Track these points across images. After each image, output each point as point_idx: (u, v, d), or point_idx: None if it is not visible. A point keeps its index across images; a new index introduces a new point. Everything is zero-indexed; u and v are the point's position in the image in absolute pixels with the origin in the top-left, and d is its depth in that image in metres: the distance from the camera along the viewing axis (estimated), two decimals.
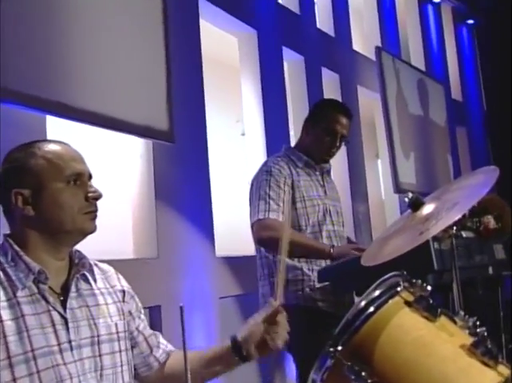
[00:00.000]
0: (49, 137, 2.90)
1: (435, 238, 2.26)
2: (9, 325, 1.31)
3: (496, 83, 9.09)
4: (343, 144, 2.82)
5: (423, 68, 8.28)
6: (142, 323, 1.62)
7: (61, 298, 1.41)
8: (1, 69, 2.65)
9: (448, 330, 1.23)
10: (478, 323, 1.30)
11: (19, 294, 1.35)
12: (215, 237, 4.33)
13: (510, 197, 3.99)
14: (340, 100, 5.42)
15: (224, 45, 5.54)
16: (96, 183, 1.50)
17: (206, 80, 4.50)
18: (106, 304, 1.50)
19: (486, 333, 1.27)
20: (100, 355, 1.42)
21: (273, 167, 2.68)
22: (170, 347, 1.67)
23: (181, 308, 1.20)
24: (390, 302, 1.24)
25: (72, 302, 1.42)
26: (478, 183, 1.51)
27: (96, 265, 1.56)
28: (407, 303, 1.25)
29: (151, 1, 3.80)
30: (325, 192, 2.80)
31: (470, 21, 10.11)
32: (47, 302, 1.38)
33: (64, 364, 1.35)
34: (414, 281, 1.32)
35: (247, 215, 2.70)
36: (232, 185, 5.74)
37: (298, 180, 2.71)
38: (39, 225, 1.41)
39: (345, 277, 2.49)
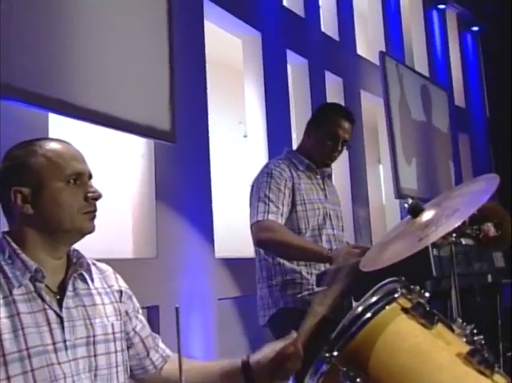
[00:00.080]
0: (51, 135, 2.90)
1: (434, 245, 2.25)
2: (5, 323, 1.30)
3: (500, 90, 9.09)
4: (345, 148, 2.81)
5: (426, 74, 8.29)
6: (139, 324, 1.61)
7: (58, 297, 1.41)
8: (5, 65, 2.65)
9: (445, 338, 1.22)
10: (475, 331, 1.29)
11: (15, 291, 1.34)
12: (215, 238, 4.33)
13: (511, 202, 3.99)
14: (343, 104, 5.42)
15: (228, 46, 5.55)
16: (96, 182, 1.50)
17: (209, 82, 4.50)
18: (103, 304, 1.49)
19: (483, 342, 1.27)
20: (95, 355, 1.42)
21: (274, 170, 2.68)
22: (167, 352, 1.66)
23: (177, 309, 1.19)
24: (387, 308, 1.23)
25: (68, 301, 1.41)
26: (479, 191, 1.50)
27: (94, 264, 1.55)
28: (404, 310, 1.24)
29: (156, 1, 3.81)
30: (326, 196, 2.80)
31: (475, 28, 10.12)
32: (43, 300, 1.37)
33: (59, 363, 1.34)
34: (412, 287, 1.32)
35: (247, 216, 2.70)
36: (233, 186, 5.75)
37: (299, 183, 2.70)
38: (38, 224, 1.40)
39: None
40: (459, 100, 9.44)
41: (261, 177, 2.70)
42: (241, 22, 5.06)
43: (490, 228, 2.80)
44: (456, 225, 1.38)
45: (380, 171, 8.18)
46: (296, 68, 5.93)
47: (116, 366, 1.46)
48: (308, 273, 2.62)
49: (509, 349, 2.83)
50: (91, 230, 1.45)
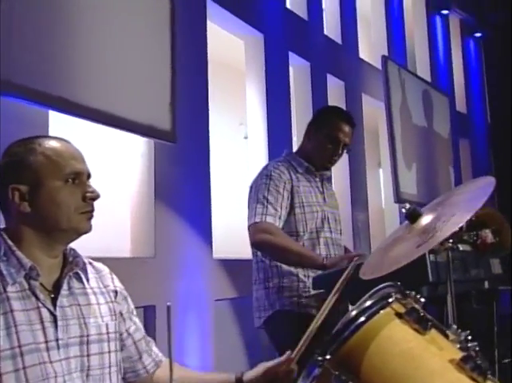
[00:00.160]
0: (51, 133, 2.90)
1: (431, 251, 2.25)
2: None
3: (501, 97, 9.10)
4: (345, 151, 2.81)
5: (428, 79, 8.29)
6: (133, 326, 1.61)
7: (52, 296, 1.40)
8: (5, 62, 2.65)
9: (438, 344, 1.22)
10: (469, 338, 1.29)
11: (9, 289, 1.34)
12: (213, 239, 4.33)
13: (511, 209, 3.99)
14: (344, 107, 5.42)
15: (230, 47, 5.55)
16: (95, 180, 1.49)
17: (210, 82, 4.50)
18: (98, 304, 1.49)
19: (477, 348, 1.27)
20: (88, 355, 1.41)
21: (273, 172, 2.68)
22: (160, 357, 1.66)
23: (168, 307, 1.18)
24: (381, 312, 1.23)
25: (62, 300, 1.41)
26: (476, 194, 1.50)
27: (90, 263, 1.55)
28: (398, 315, 1.24)
29: (159, 1, 3.81)
30: (324, 199, 2.80)
31: (478, 34, 10.12)
32: (37, 298, 1.37)
33: (50, 362, 1.34)
34: (407, 292, 1.32)
35: (246, 218, 2.70)
36: (233, 188, 5.75)
37: (298, 186, 2.70)
38: (34, 222, 1.40)
39: None
40: (461, 105, 9.44)
41: (260, 179, 2.69)
42: (243, 24, 5.06)
43: (487, 235, 2.81)
44: (453, 231, 1.38)
45: (379, 176, 8.18)
46: (298, 70, 5.93)
47: (109, 367, 1.46)
48: (305, 275, 2.62)
49: (505, 356, 2.83)
50: (87, 230, 1.44)
